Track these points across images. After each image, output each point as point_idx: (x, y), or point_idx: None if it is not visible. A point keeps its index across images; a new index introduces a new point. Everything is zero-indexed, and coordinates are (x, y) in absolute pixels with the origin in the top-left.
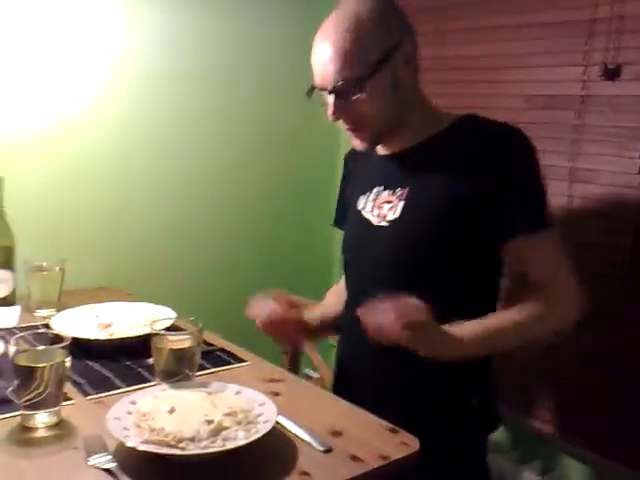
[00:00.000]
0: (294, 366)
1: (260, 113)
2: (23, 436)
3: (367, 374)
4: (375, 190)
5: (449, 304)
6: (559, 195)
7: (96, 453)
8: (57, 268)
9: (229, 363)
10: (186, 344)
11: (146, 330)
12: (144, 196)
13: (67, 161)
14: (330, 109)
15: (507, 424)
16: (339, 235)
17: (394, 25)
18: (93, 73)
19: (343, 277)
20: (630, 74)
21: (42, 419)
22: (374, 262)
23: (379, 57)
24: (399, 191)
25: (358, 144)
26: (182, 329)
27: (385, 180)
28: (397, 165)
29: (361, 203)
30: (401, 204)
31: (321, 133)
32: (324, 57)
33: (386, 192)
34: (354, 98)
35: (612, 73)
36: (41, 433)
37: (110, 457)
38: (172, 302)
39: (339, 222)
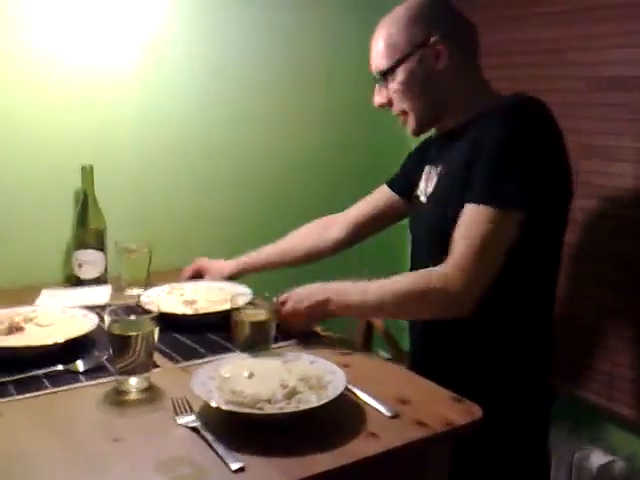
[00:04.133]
0: (367, 346)
1: (329, 98)
2: (117, 398)
3: (420, 347)
4: (426, 168)
5: None
6: (624, 177)
7: (182, 413)
8: (145, 250)
9: (304, 337)
10: (263, 317)
11: (227, 306)
12: (227, 182)
13: (155, 148)
14: (374, 96)
15: (597, 413)
16: None
17: (432, 20)
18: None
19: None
20: None
21: (134, 383)
22: (418, 235)
23: (406, 51)
24: (438, 168)
25: (408, 129)
26: (258, 304)
27: (433, 159)
28: (442, 144)
29: (420, 181)
30: (435, 179)
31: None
32: (371, 48)
33: (432, 170)
34: (388, 87)
35: None
36: (133, 396)
37: (195, 417)
38: (250, 282)
39: (393, 184)
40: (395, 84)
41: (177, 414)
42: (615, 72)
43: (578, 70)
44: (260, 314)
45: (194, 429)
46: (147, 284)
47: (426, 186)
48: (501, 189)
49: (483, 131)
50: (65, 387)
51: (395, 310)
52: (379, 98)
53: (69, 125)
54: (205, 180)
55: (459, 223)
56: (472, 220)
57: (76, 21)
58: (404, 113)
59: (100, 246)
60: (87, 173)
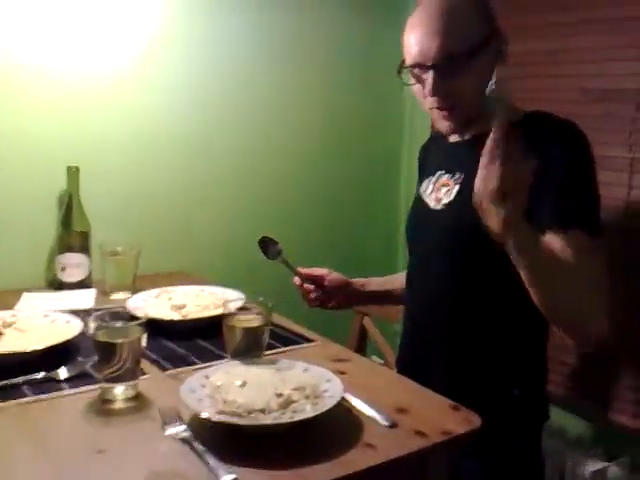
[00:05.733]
0: (360, 351)
1: (325, 102)
2: (103, 407)
3: (415, 354)
4: (437, 174)
5: (490, 290)
6: (619, 186)
7: (172, 423)
8: (132, 253)
9: (298, 343)
10: (256, 323)
11: (217, 311)
12: (217, 186)
13: (142, 149)
14: (429, 86)
15: (590, 419)
16: (403, 217)
17: (490, 12)
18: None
19: None
20: None
21: (120, 392)
22: (428, 243)
23: (484, 36)
24: (457, 175)
25: (446, 126)
26: (251, 309)
27: (448, 165)
28: (462, 151)
29: (424, 186)
30: (456, 188)
31: (386, 115)
32: (427, 32)
33: (446, 176)
34: (457, 75)
35: None
36: (119, 405)
37: (185, 427)
38: (243, 286)
39: None
40: (467, 72)
41: (166, 424)
42: (608, 84)
43: (573, 81)
44: (253, 320)
45: (184, 440)
46: (133, 288)
47: (439, 193)
48: (592, 214)
49: (540, 149)
50: (46, 396)
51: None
52: (435, 88)
53: (56, 125)
54: (194, 184)
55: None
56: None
57: (65, 24)
58: (452, 107)
59: (85, 249)
60: (73, 174)
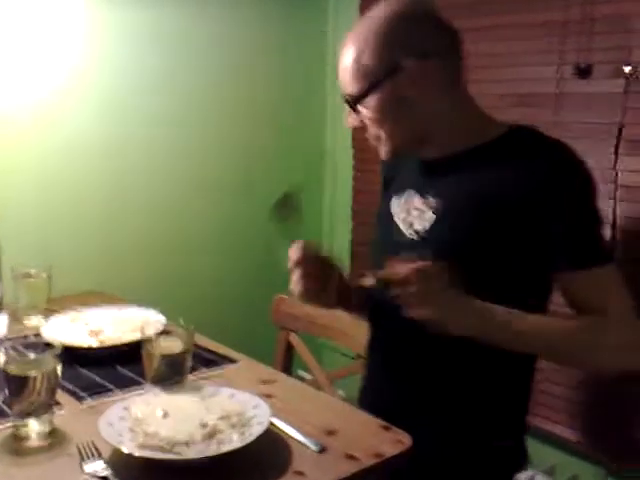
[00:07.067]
0: (286, 368)
1: (246, 101)
2: (15, 445)
3: (396, 395)
4: (406, 193)
5: None
6: None
7: (90, 460)
8: (44, 275)
9: (222, 364)
10: (177, 349)
11: (136, 335)
12: (131, 201)
13: (55, 168)
14: (346, 116)
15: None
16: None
17: (408, 40)
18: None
19: None
20: (601, 73)
21: (34, 428)
22: None
23: (378, 77)
24: (431, 201)
25: (382, 153)
26: (172, 333)
27: (418, 185)
28: (433, 172)
29: (394, 205)
30: (431, 217)
31: (307, 115)
32: (339, 66)
33: (416, 198)
34: (359, 112)
35: (584, 72)
36: (34, 442)
37: (104, 464)
38: (160, 307)
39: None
40: (366, 111)
41: (84, 461)
42: (525, 89)
43: (489, 87)
44: (174, 345)
45: (104, 478)
46: (47, 312)
47: (409, 216)
48: (604, 243)
49: (540, 180)
50: None
51: (559, 349)
52: (351, 120)
53: None
54: (108, 201)
55: (582, 291)
56: (602, 285)
57: None
58: (378, 138)
59: None
60: None
